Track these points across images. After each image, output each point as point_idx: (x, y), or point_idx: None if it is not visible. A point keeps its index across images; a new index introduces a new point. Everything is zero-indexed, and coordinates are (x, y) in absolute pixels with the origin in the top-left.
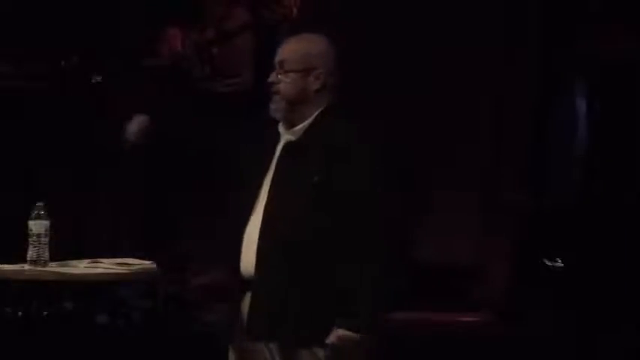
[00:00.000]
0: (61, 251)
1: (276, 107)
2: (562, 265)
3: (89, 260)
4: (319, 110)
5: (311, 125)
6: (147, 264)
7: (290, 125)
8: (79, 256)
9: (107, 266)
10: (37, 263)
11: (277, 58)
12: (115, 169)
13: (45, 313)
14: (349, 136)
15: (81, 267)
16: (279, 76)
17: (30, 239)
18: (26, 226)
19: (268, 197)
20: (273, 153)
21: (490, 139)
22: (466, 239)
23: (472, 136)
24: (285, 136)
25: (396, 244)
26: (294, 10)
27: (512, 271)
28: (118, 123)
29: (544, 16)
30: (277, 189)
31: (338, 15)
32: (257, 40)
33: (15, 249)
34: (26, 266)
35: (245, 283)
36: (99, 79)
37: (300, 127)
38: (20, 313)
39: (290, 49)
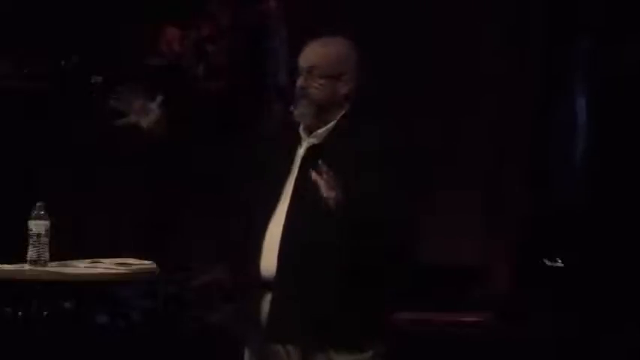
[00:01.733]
0: (61, 251)
1: (302, 112)
2: (562, 265)
3: (89, 260)
4: (341, 114)
5: (334, 128)
6: (147, 264)
7: (312, 129)
8: (79, 256)
9: (107, 266)
10: (37, 263)
11: (305, 64)
12: (115, 169)
13: (45, 313)
14: (376, 139)
15: (81, 267)
16: (307, 82)
17: (30, 239)
18: (26, 226)
19: (291, 200)
20: (286, 155)
21: (492, 139)
22: (468, 239)
23: (474, 137)
24: (308, 140)
25: (412, 246)
26: (276, 12)
27: (514, 271)
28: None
29: (548, 17)
30: (301, 192)
31: (336, 16)
32: (250, 39)
33: (15, 249)
34: (26, 266)
35: (265, 285)
36: (99, 79)
37: (323, 130)
38: (20, 313)
39: (319, 54)
